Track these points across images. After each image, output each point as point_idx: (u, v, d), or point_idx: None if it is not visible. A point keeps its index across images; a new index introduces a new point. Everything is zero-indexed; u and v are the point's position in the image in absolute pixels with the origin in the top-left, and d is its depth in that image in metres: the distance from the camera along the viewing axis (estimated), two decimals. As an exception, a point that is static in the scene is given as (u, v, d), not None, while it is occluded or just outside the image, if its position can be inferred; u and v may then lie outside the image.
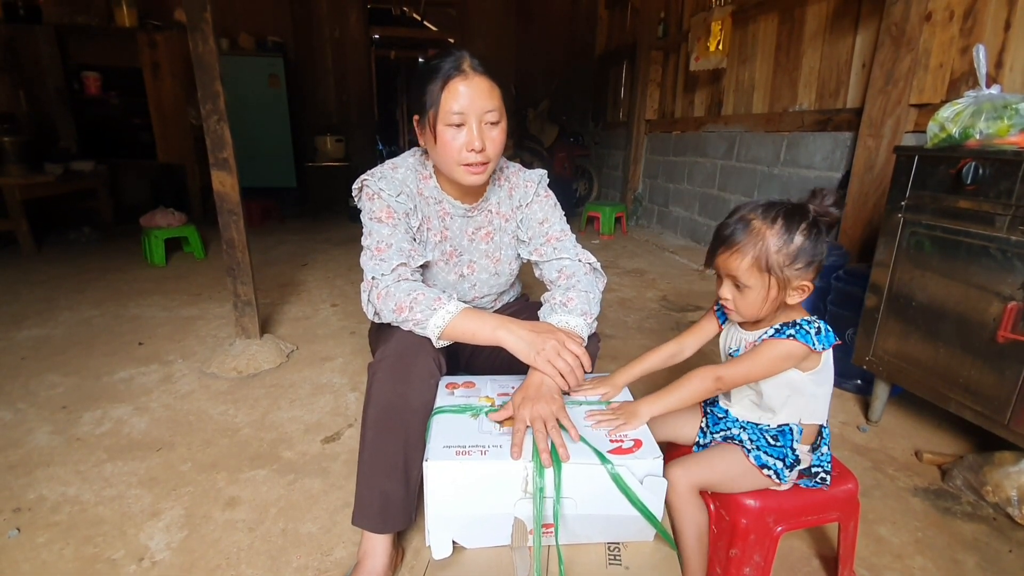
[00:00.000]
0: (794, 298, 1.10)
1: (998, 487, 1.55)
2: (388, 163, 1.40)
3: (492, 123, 1.25)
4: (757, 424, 1.18)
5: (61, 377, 2.32)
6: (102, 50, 5.65)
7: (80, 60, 5.64)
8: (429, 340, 1.23)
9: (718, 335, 1.32)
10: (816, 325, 1.08)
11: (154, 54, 5.46)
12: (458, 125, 1.23)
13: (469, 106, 1.21)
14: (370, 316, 1.29)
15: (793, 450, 1.13)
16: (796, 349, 1.07)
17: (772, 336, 1.09)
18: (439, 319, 1.19)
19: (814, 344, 1.06)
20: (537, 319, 1.47)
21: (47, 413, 2.03)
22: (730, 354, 1.23)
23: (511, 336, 1.19)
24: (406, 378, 1.19)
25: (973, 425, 1.63)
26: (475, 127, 1.23)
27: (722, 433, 1.23)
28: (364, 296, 1.29)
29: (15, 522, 1.48)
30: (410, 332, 1.24)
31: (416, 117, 1.29)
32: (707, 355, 1.37)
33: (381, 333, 1.34)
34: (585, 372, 1.23)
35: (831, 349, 1.09)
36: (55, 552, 1.38)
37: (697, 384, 1.14)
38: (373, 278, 1.27)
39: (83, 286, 3.58)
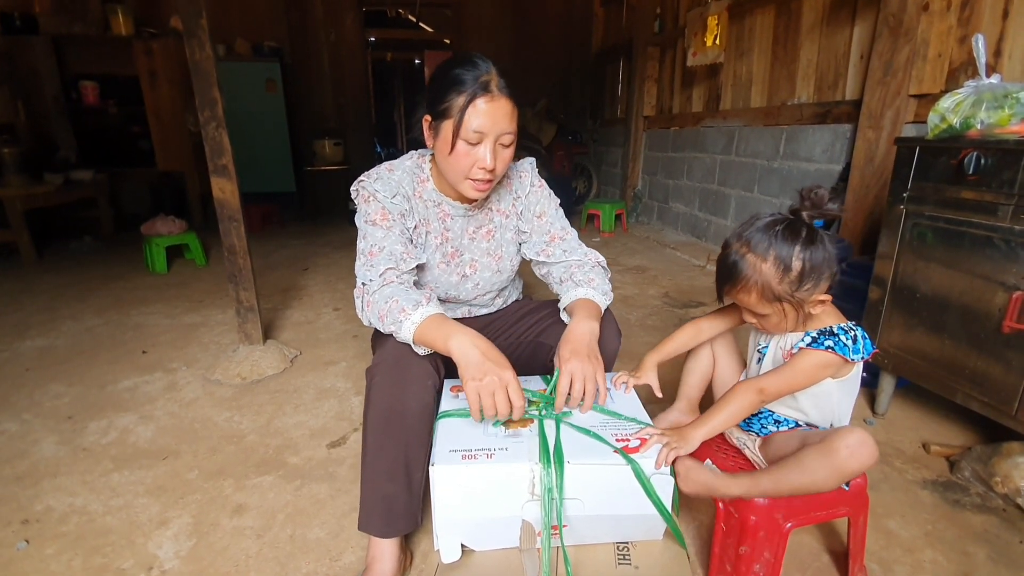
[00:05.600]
0: (815, 309, 1.09)
1: (1007, 478, 1.55)
2: (384, 165, 1.40)
3: (506, 145, 1.25)
4: (792, 420, 1.19)
5: (66, 387, 2.32)
6: (99, 59, 5.65)
7: (77, 70, 5.63)
8: None
9: (738, 325, 1.33)
10: (853, 333, 1.07)
11: (151, 62, 5.46)
12: (475, 143, 1.22)
13: (490, 127, 1.20)
14: (365, 323, 1.29)
15: None
16: (833, 359, 1.06)
17: (809, 346, 1.08)
18: (406, 332, 1.17)
19: (850, 355, 1.05)
20: (547, 318, 1.48)
21: (53, 423, 2.03)
22: (759, 350, 1.23)
23: (460, 348, 1.11)
24: (403, 382, 1.18)
25: (980, 416, 1.62)
26: (490, 147, 1.22)
27: (759, 428, 1.23)
28: (358, 303, 1.28)
29: (23, 534, 1.48)
30: None
31: (428, 118, 1.27)
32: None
33: (380, 337, 1.34)
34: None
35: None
36: (64, 563, 1.38)
37: (741, 400, 1.12)
38: (363, 284, 1.27)
39: (85, 295, 3.58)
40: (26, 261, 4.32)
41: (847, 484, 1.14)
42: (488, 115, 1.19)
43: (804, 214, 1.06)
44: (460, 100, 1.18)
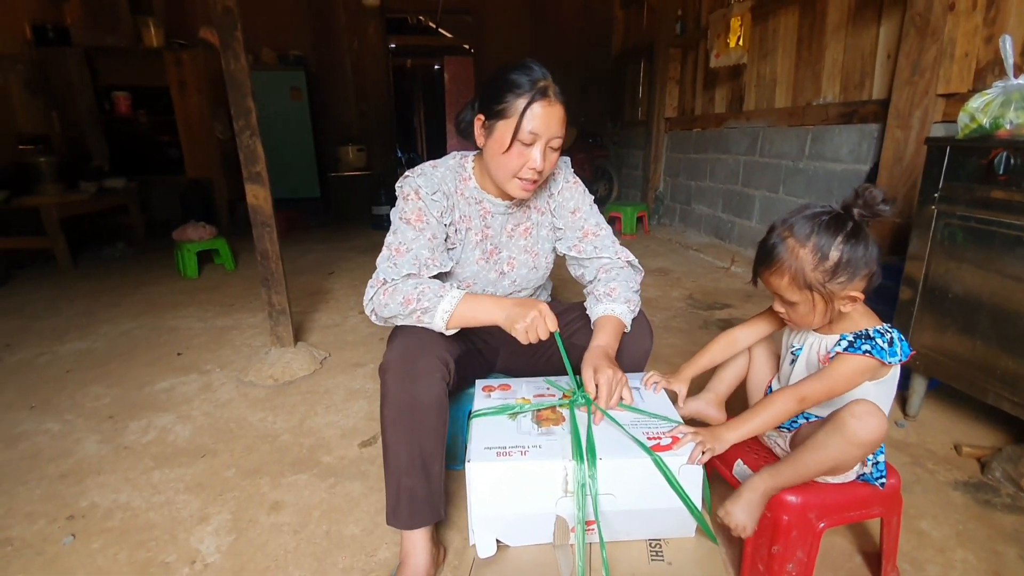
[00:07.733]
0: (846, 307, 1.10)
1: (1040, 479, 1.54)
2: (429, 162, 1.45)
3: (554, 148, 1.32)
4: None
5: (105, 388, 2.39)
6: (131, 70, 5.78)
7: (110, 81, 5.78)
8: (432, 337, 1.27)
9: (773, 332, 1.34)
10: (888, 336, 1.07)
11: (180, 72, 5.58)
12: (528, 144, 1.28)
13: (545, 130, 1.27)
14: (368, 313, 1.33)
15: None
16: (871, 363, 1.07)
17: (847, 351, 1.08)
18: (447, 304, 1.23)
19: (887, 358, 1.05)
20: (577, 320, 1.52)
21: (94, 423, 2.10)
22: (792, 352, 1.24)
23: (500, 312, 1.25)
24: (413, 376, 1.22)
25: (1011, 416, 1.61)
26: (542, 149, 1.29)
27: (789, 423, 1.23)
28: (369, 293, 1.32)
29: (69, 529, 1.54)
30: (412, 332, 1.28)
31: (481, 118, 1.33)
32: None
33: (391, 336, 1.39)
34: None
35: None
36: (110, 557, 1.43)
37: (780, 406, 1.12)
38: (384, 280, 1.31)
39: (120, 300, 3.68)
40: (62, 267, 4.44)
41: (877, 478, 1.14)
42: (544, 119, 1.26)
43: (855, 211, 1.06)
44: (519, 102, 1.25)
